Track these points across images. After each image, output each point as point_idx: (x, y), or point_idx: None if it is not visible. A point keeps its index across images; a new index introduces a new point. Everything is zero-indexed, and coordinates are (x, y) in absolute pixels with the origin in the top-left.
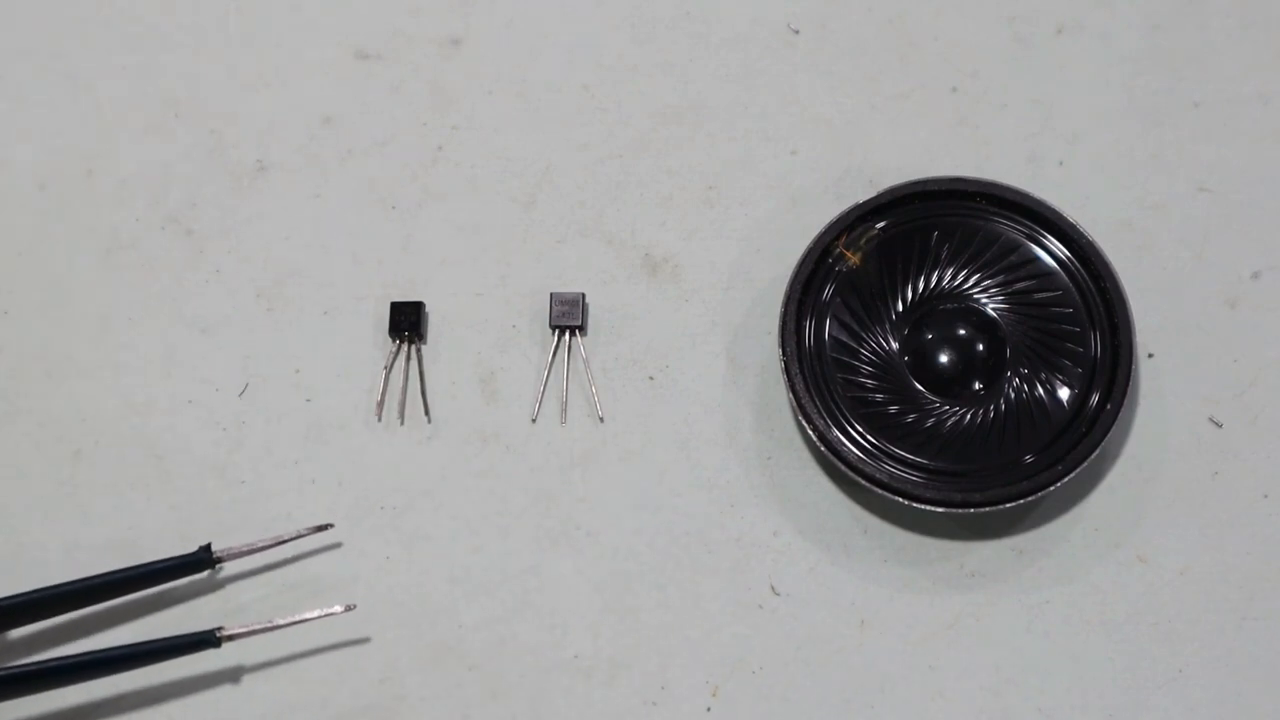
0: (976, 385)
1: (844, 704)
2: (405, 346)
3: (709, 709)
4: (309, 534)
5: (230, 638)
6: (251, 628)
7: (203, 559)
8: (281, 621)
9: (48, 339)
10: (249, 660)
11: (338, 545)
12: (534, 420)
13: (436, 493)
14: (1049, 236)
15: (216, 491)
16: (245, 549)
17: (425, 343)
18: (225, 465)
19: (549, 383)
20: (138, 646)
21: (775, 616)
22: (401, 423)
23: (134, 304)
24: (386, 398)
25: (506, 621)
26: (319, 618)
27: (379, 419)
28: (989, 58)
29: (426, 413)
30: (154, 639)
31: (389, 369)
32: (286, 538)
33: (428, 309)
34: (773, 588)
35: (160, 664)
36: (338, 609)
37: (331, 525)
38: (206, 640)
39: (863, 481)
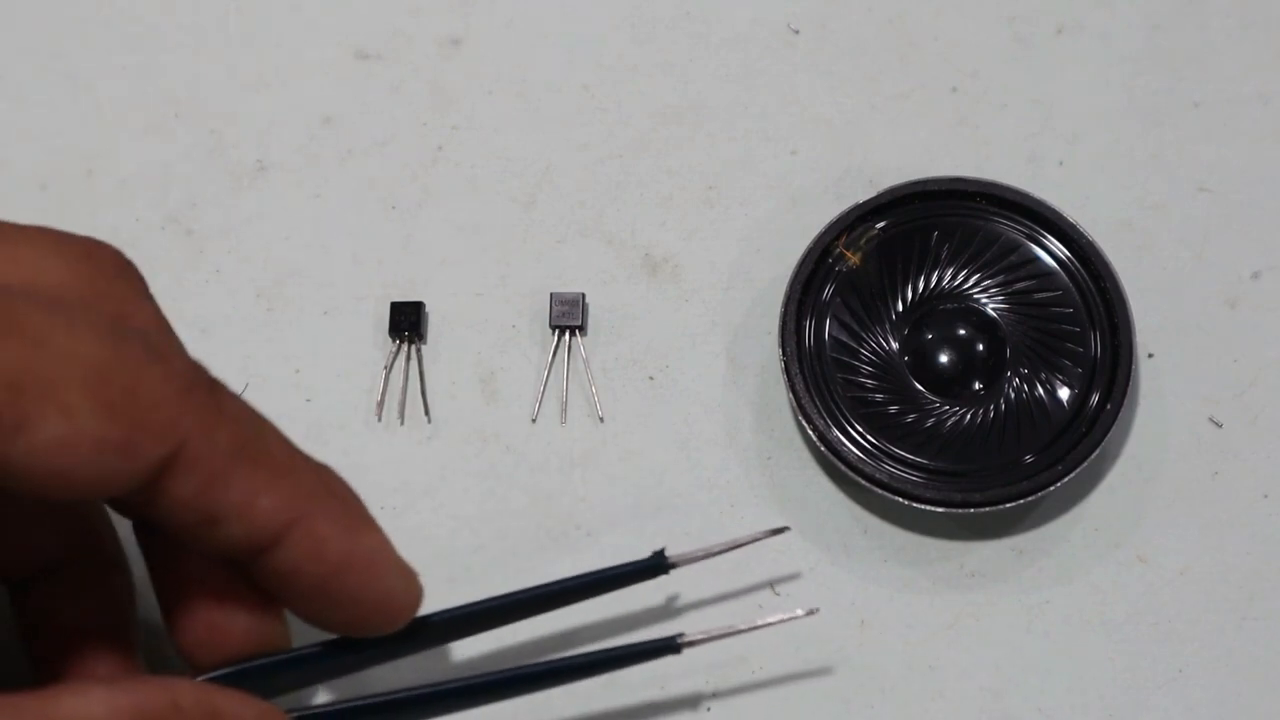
0: (976, 385)
1: (844, 704)
2: (405, 347)
3: (709, 709)
4: (764, 537)
5: (691, 644)
6: (711, 633)
7: (658, 564)
8: (743, 626)
9: None
10: None
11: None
12: (534, 420)
13: (436, 493)
14: (1049, 236)
15: None
16: (701, 553)
17: (425, 343)
18: None
19: (549, 383)
20: (597, 654)
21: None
22: (401, 423)
23: None
24: (386, 398)
25: None
26: (780, 622)
27: (379, 419)
28: (989, 58)
29: (426, 413)
30: (612, 646)
31: (389, 369)
32: (742, 541)
33: (428, 309)
34: (773, 588)
35: None
36: (799, 613)
37: (788, 529)
38: (669, 646)
39: (863, 481)
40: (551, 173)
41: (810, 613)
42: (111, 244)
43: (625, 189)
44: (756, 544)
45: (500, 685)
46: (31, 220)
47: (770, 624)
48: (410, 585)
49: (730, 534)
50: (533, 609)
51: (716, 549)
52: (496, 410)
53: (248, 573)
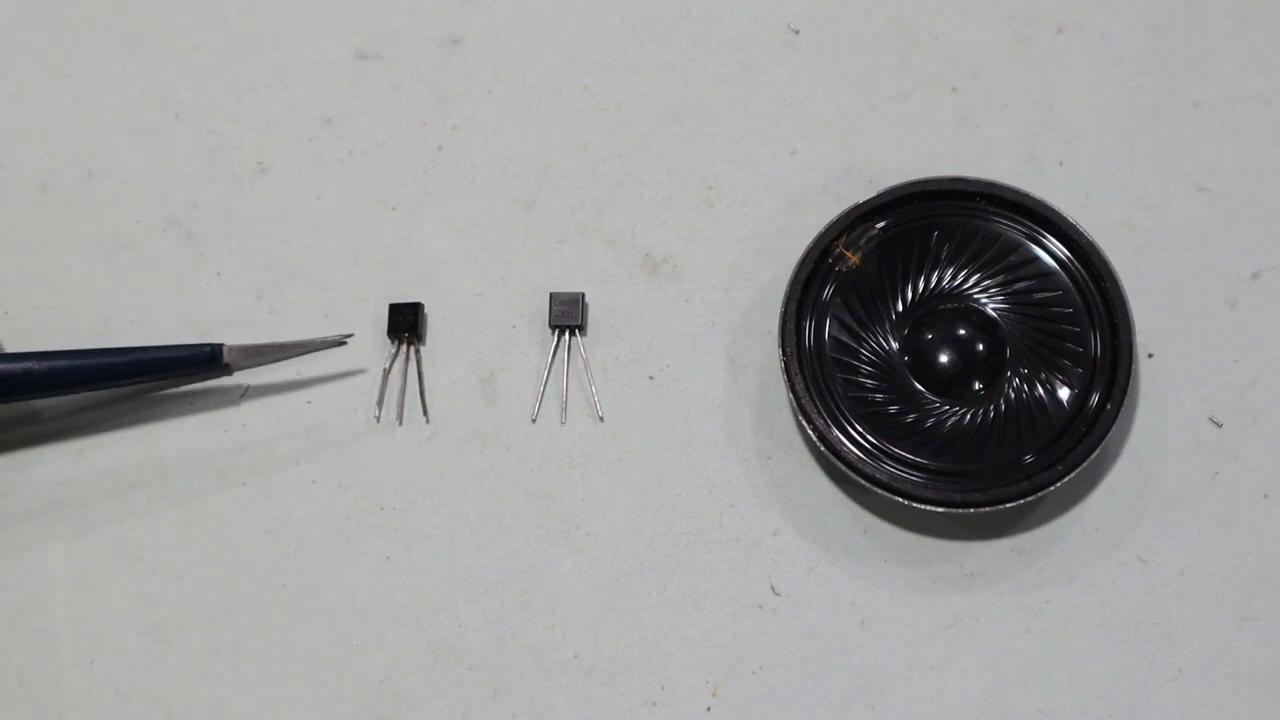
0: (976, 385)
1: (844, 704)
2: (404, 348)
3: (709, 709)
4: (324, 347)
5: (237, 367)
6: (257, 344)
7: (215, 352)
8: (285, 341)
9: (48, 340)
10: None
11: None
12: (534, 420)
13: (436, 493)
14: (1049, 236)
15: (217, 492)
16: (256, 352)
17: (424, 344)
18: (226, 467)
19: (549, 383)
20: (139, 351)
21: (775, 616)
22: (400, 423)
23: (135, 306)
24: (386, 398)
25: (506, 621)
26: (322, 348)
27: (378, 420)
28: (989, 58)
29: (425, 414)
30: (155, 345)
31: (388, 370)
32: (302, 345)
33: (427, 309)
34: (773, 588)
35: None
36: (333, 336)
37: (351, 335)
38: (215, 356)
39: (863, 481)
40: (551, 173)
41: (342, 341)
42: None
43: (625, 189)
44: (756, 543)
45: (33, 378)
46: (31, 220)
47: (313, 347)
48: None
49: (730, 533)
50: (89, 378)
51: (271, 350)
52: (496, 410)
53: None
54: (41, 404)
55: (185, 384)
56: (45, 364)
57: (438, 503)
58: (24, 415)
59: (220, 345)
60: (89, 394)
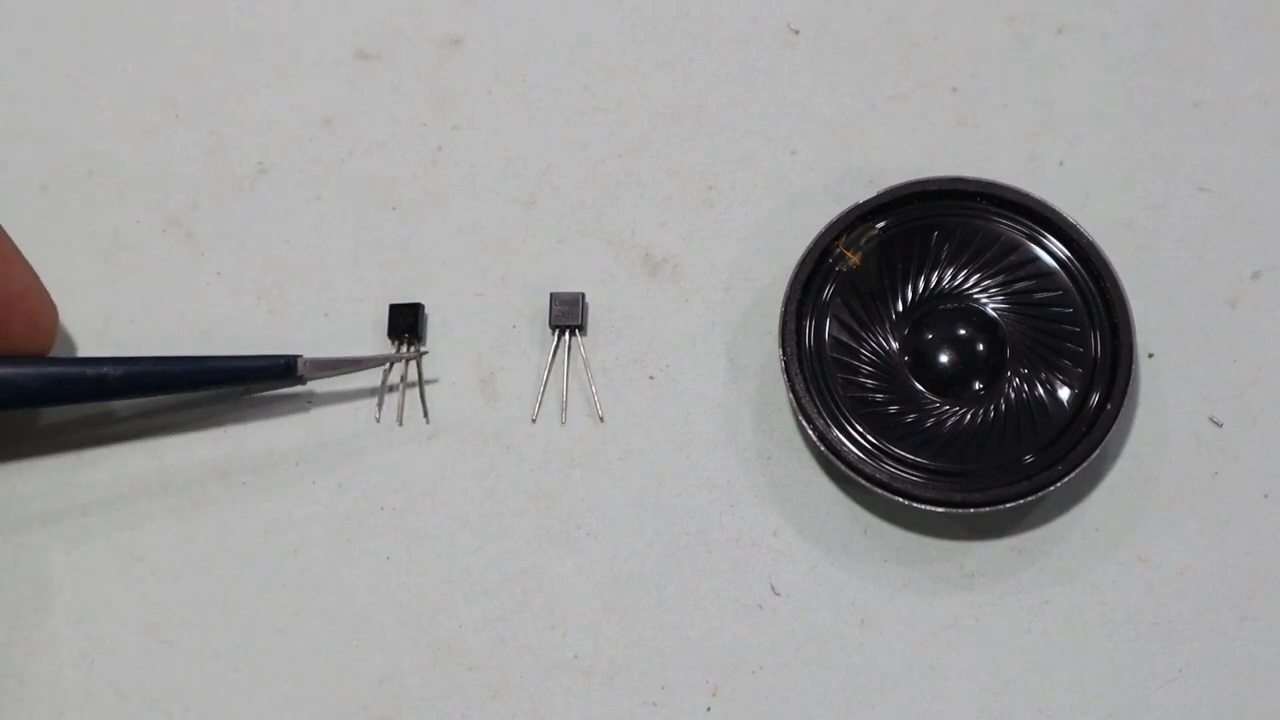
0: (976, 385)
1: (844, 704)
2: (404, 349)
3: (709, 709)
4: (400, 359)
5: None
6: (332, 358)
7: (290, 369)
8: (359, 356)
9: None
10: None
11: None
12: (534, 420)
13: (436, 493)
14: (1049, 236)
15: (217, 492)
16: (333, 365)
17: (424, 344)
18: (227, 467)
19: (549, 383)
20: (217, 360)
21: (775, 616)
22: (400, 424)
23: (135, 306)
24: (385, 399)
25: (506, 621)
26: (399, 359)
27: (378, 420)
28: (989, 58)
29: (425, 414)
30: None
31: (388, 370)
32: (376, 359)
33: (428, 310)
34: (773, 588)
35: None
36: (410, 350)
37: (427, 352)
38: (290, 368)
39: (863, 481)
40: (551, 173)
41: (418, 354)
42: None
43: (625, 189)
44: (756, 543)
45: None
46: (32, 220)
47: (389, 359)
48: (49, 305)
49: (730, 533)
50: (165, 384)
51: (346, 363)
52: (496, 410)
53: None
54: (41, 410)
55: (259, 392)
56: (122, 369)
57: (438, 503)
58: (25, 420)
59: (296, 357)
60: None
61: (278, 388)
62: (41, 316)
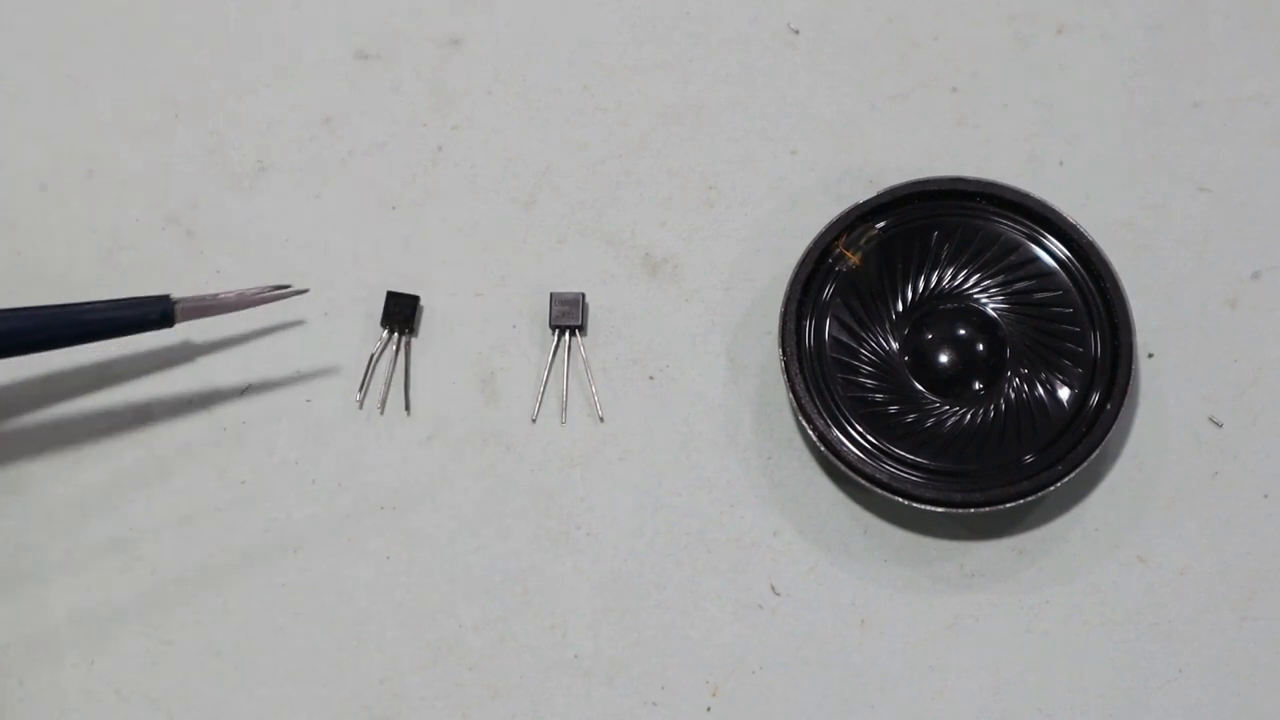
0: (976, 385)
1: (844, 704)
2: (396, 337)
3: (709, 709)
4: (274, 296)
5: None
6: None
7: (165, 314)
8: (230, 292)
9: None
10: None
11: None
12: (534, 420)
13: (436, 493)
14: (1049, 236)
15: (217, 492)
16: (206, 302)
17: (416, 336)
18: (226, 466)
19: (549, 383)
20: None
21: (775, 616)
22: (381, 413)
23: None
24: (370, 386)
25: (506, 621)
26: (276, 298)
27: (360, 406)
28: (989, 58)
29: (407, 406)
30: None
31: (376, 358)
32: (251, 297)
33: (427, 309)
34: (773, 588)
35: None
36: (291, 286)
37: (307, 290)
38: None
39: (863, 481)
40: (551, 173)
41: (300, 291)
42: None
43: (625, 189)
44: (756, 543)
45: None
46: (31, 220)
47: (266, 298)
48: None
49: (730, 533)
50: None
51: (221, 299)
52: (496, 410)
53: None
54: (40, 402)
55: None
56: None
57: (438, 503)
58: (24, 412)
59: (167, 297)
60: (90, 392)
61: (147, 330)
62: None
